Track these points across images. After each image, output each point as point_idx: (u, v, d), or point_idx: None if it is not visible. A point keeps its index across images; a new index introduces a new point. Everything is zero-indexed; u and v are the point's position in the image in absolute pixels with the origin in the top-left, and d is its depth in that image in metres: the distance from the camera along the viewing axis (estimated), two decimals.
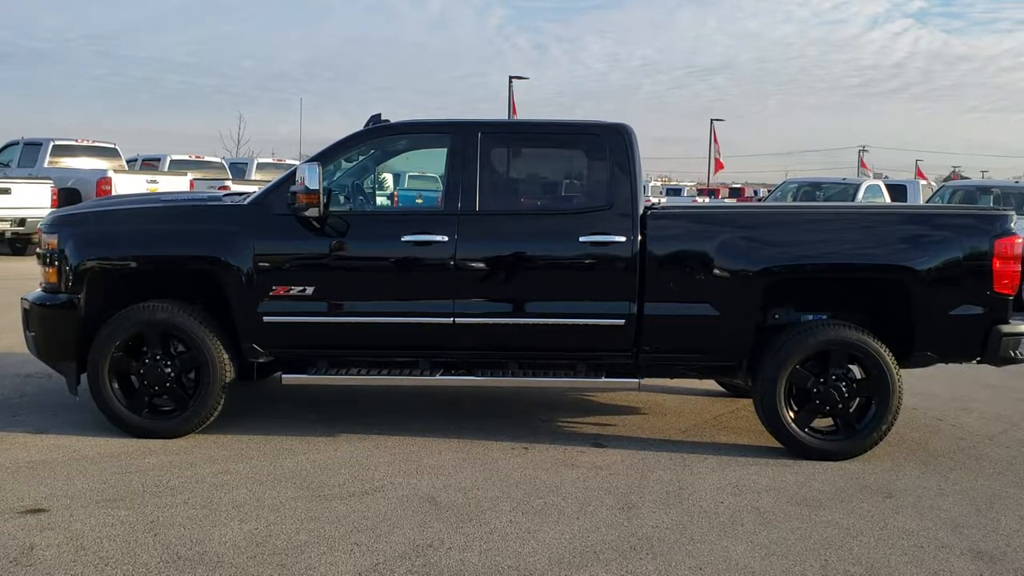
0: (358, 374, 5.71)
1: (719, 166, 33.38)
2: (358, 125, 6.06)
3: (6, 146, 19.58)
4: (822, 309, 5.80)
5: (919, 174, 40.44)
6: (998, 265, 5.43)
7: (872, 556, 4.12)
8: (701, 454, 5.58)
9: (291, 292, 5.55)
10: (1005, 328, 5.46)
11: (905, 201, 18.93)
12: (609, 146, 5.71)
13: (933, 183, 29.73)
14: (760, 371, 5.53)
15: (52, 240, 5.71)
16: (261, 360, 5.74)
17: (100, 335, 5.57)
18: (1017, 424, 6.54)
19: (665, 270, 5.53)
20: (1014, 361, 5.57)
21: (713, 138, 32.19)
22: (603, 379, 5.71)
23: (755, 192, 51.39)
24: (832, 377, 5.47)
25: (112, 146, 19.83)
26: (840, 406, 5.48)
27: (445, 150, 5.77)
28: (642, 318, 5.51)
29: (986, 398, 7.27)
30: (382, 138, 6.08)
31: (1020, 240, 5.48)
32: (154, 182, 17.87)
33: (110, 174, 17.50)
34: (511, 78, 31.77)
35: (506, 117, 24.75)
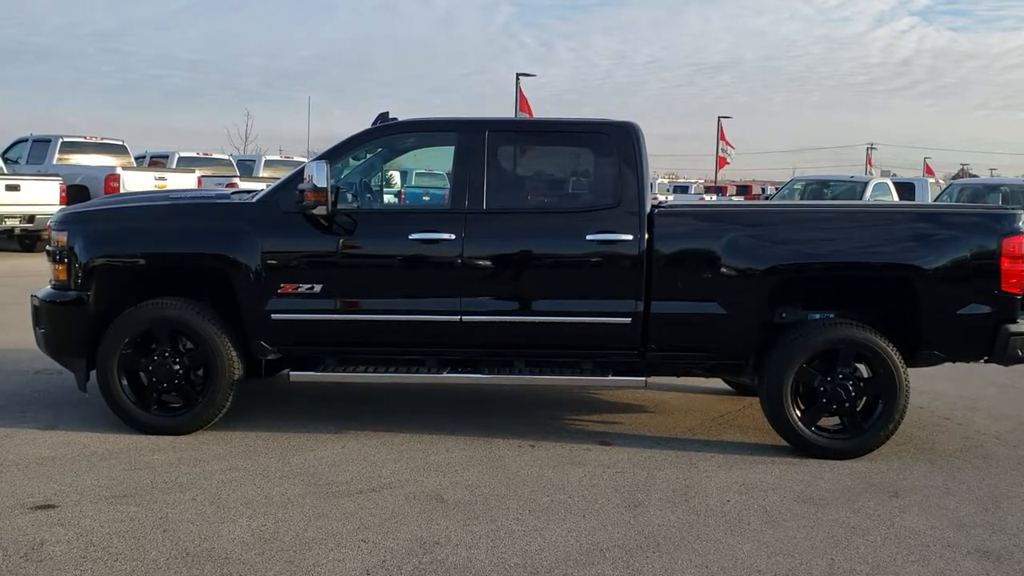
0: (366, 371, 5.73)
1: (723, 163, 33.32)
2: (365, 122, 6.07)
3: (15, 143, 19.69)
4: (829, 308, 5.80)
5: (928, 171, 40.27)
6: (1006, 264, 5.42)
7: (878, 555, 4.12)
8: (707, 452, 5.58)
9: (299, 289, 5.57)
10: (1013, 327, 5.45)
11: (913, 199, 18.89)
12: (616, 144, 5.71)
13: (941, 181, 29.62)
14: (767, 369, 5.53)
15: (62, 237, 5.74)
16: (269, 357, 5.76)
17: (109, 332, 5.60)
18: None
19: (672, 268, 5.53)
20: (1022, 360, 5.57)
21: (721, 135, 32.12)
22: (610, 377, 5.72)
23: (763, 190, 51.24)
24: (839, 376, 5.46)
25: (120, 143, 19.93)
26: (847, 405, 5.47)
27: (452, 148, 5.79)
28: (649, 316, 5.52)
29: (993, 397, 7.25)
30: (390, 136, 6.09)
31: None
32: (162, 179, 17.95)
33: (118, 171, 17.58)
34: (518, 75, 31.55)
35: (513, 114, 24.70)
